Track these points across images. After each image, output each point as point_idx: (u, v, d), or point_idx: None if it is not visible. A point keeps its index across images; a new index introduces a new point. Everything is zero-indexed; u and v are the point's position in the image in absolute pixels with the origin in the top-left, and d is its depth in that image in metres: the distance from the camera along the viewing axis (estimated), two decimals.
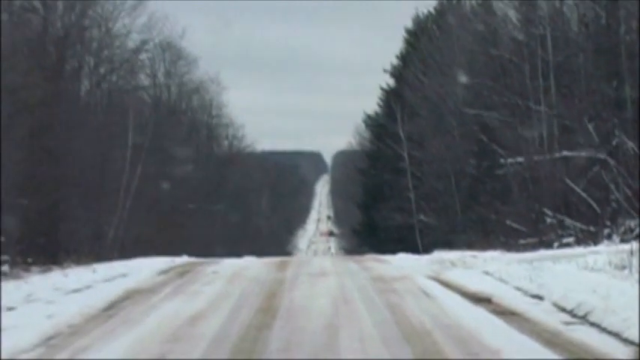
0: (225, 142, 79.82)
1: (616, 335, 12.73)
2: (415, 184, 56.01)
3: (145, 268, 24.46)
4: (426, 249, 54.71)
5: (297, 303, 16.56)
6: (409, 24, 63.46)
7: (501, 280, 19.76)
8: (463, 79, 48.63)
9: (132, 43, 52.40)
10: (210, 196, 62.90)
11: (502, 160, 37.43)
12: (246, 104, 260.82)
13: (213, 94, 73.34)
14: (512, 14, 46.35)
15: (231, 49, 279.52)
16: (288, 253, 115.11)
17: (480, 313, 15.16)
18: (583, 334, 13.01)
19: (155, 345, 12.52)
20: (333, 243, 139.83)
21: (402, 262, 25.44)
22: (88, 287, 19.88)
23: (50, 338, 13.18)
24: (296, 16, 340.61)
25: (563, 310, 15.41)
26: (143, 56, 54.57)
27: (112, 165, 44.03)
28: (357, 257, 31.77)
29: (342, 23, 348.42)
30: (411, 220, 56.16)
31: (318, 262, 27.26)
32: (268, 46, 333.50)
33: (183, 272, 23.45)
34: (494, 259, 25.06)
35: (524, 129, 39.98)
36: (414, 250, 56.30)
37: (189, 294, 18.25)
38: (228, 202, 69.67)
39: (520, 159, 36.12)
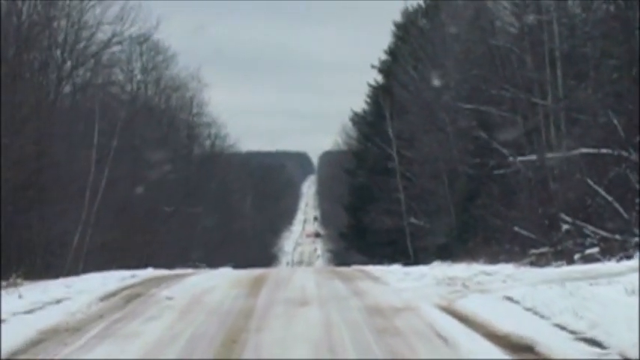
0: (207, 142, 74.44)
1: None
2: (405, 185, 51.18)
3: (87, 292, 19.30)
4: (418, 253, 49.98)
5: (265, 354, 11.46)
6: (397, 19, 58.41)
7: (534, 312, 14.69)
8: (456, 73, 43.84)
9: (103, 35, 47.27)
10: (189, 198, 57.55)
11: (510, 159, 32.28)
12: (231, 104, 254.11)
13: (193, 92, 68.00)
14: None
15: (213, 47, 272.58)
16: (273, 256, 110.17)
17: None
18: None
19: None
20: (319, 244, 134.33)
21: (400, 281, 20.19)
22: None
23: None
24: (280, 14, 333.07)
25: None
26: (116, 49, 49.21)
27: (76, 165, 38.71)
28: (345, 270, 26.69)
29: (328, 21, 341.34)
30: (401, 223, 51.31)
31: (299, 280, 21.98)
32: (252, 44, 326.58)
33: (131, 297, 18.30)
34: (513, 277, 19.90)
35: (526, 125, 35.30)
36: (405, 254, 51.52)
37: (122, 337, 13.07)
38: (209, 204, 64.36)
39: (532, 157, 30.98)
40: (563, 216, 26.53)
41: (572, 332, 12.80)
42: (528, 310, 15.03)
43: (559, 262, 24.59)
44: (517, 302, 15.92)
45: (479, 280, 19.72)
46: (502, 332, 12.84)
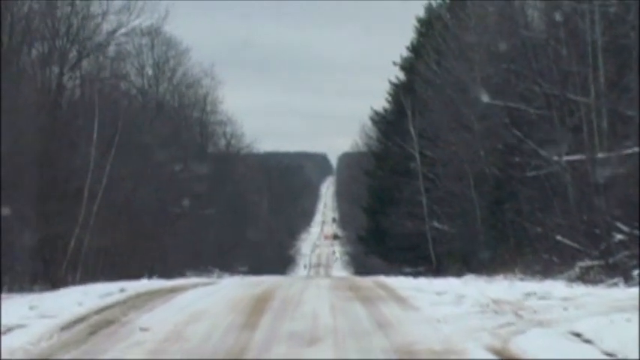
0: (222, 141, 70.34)
1: None
2: (428, 187, 47.13)
3: (50, 316, 15.31)
4: (441, 259, 46.07)
5: None
6: (420, 14, 54.46)
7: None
8: (484, 68, 39.78)
9: (109, 26, 43.53)
10: (201, 199, 53.51)
11: (555, 158, 28.12)
12: (247, 104, 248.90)
13: (207, 89, 63.93)
14: None
15: (230, 46, 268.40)
16: (290, 258, 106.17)
17: None
18: None
19: None
20: (337, 247, 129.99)
21: (434, 306, 15.96)
22: None
23: None
24: (300, 14, 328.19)
25: None
26: (123, 40, 45.27)
27: (74, 162, 34.84)
28: (365, 285, 22.54)
29: (348, 22, 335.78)
30: (422, 227, 47.26)
31: (311, 301, 17.76)
32: (271, 45, 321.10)
33: (100, 325, 14.24)
34: (574, 303, 15.65)
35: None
36: (427, 259, 47.59)
37: None
38: (224, 205, 60.29)
39: (580, 156, 26.84)
40: (620, 225, 22.34)
41: None
42: (611, 356, 10.96)
43: (615, 280, 20.50)
44: (590, 342, 11.85)
45: (532, 305, 15.49)
46: None
